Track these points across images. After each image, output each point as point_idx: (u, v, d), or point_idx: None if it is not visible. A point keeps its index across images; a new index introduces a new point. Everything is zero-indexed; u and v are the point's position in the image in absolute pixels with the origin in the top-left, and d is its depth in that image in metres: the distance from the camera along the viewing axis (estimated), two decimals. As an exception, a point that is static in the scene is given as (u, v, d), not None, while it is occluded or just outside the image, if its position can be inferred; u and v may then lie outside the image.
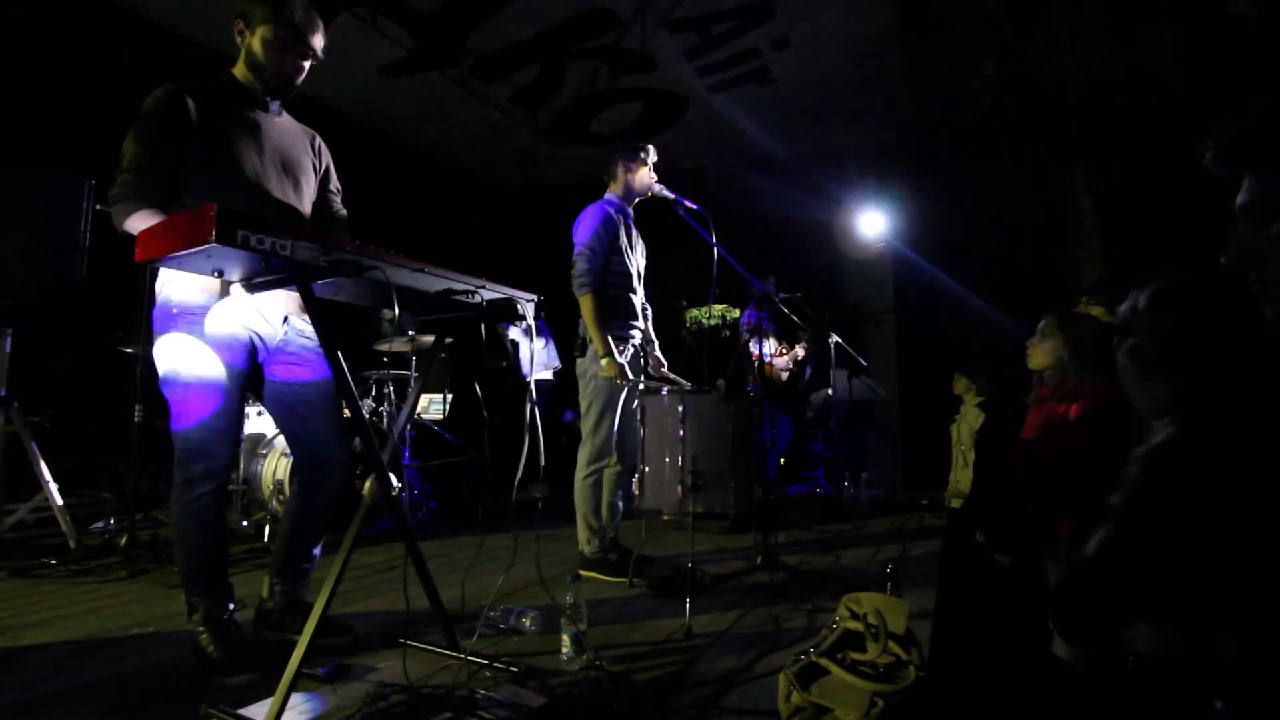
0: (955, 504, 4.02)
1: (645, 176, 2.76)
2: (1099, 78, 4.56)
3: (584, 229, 2.64)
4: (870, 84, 5.14)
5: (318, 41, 1.75)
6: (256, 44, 1.70)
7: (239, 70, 1.75)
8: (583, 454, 2.65)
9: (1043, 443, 2.10)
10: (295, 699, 1.35)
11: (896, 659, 1.35)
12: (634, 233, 2.82)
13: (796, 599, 2.27)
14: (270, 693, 1.30)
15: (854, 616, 1.42)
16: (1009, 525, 2.25)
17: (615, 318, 2.65)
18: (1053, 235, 5.12)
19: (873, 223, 5.73)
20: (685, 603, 2.01)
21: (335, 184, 1.98)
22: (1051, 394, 2.14)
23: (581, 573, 2.48)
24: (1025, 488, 2.13)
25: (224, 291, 1.63)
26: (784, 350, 5.06)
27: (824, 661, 1.35)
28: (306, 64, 1.77)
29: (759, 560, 2.73)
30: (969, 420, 4.10)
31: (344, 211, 2.00)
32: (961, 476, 4.05)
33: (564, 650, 1.69)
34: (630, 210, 2.81)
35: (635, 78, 5.17)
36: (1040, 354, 2.20)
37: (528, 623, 1.92)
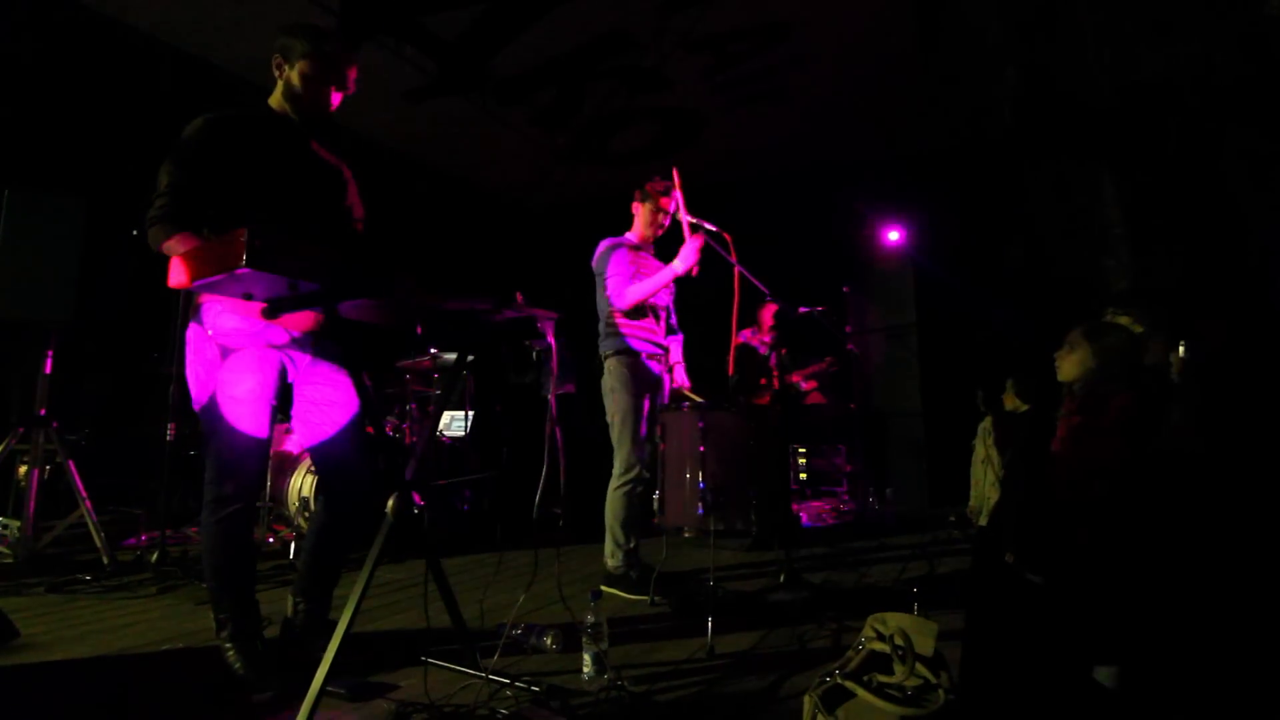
0: (984, 521, 3.92)
1: (652, 219, 2.85)
2: (1127, 85, 4.49)
3: (605, 269, 2.77)
4: (890, 97, 5.13)
5: (352, 75, 1.83)
6: (295, 77, 1.77)
7: (275, 100, 1.82)
8: (616, 465, 2.70)
9: (1073, 456, 2.05)
10: (318, 716, 1.35)
11: (925, 682, 1.32)
12: (653, 265, 2.87)
13: (821, 618, 2.23)
14: (295, 709, 1.31)
15: (880, 637, 1.39)
16: (1040, 542, 2.19)
17: (637, 334, 2.74)
18: (1080, 245, 5.03)
19: (894, 236, 5.70)
20: (707, 622, 1.99)
21: (360, 210, 2.03)
22: (1081, 406, 2.09)
23: (603, 588, 2.54)
24: (1056, 502, 2.08)
25: (255, 314, 1.68)
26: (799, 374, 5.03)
27: (850, 684, 1.33)
28: (340, 96, 1.83)
29: (782, 578, 2.69)
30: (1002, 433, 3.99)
31: (368, 237, 2.05)
32: (991, 493, 3.95)
33: (585, 670, 1.68)
34: (646, 249, 2.88)
35: (652, 97, 5.22)
36: (1069, 366, 2.16)
37: (549, 641, 1.92)
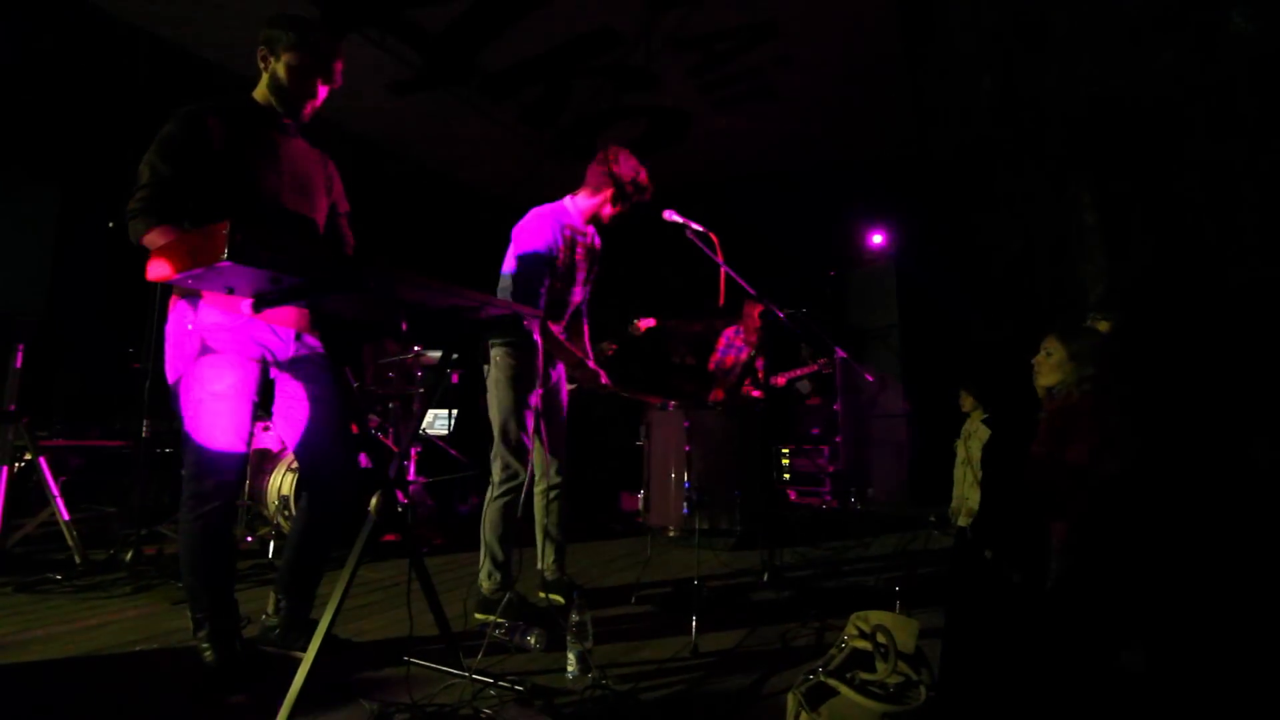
0: (963, 521, 3.99)
1: (612, 208, 2.44)
2: (1103, 93, 4.59)
3: (520, 243, 2.31)
4: (874, 100, 5.18)
5: (339, 68, 1.81)
6: (280, 69, 1.74)
7: (259, 93, 1.79)
8: (494, 473, 2.30)
9: (1050, 457, 2.09)
10: (298, 717, 1.34)
11: (906, 679, 1.33)
12: (588, 255, 2.46)
13: (804, 617, 2.24)
14: (274, 710, 1.29)
15: (862, 635, 1.41)
16: (1018, 541, 2.23)
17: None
18: (1059, 250, 5.12)
19: (877, 237, 5.76)
20: (691, 620, 2.00)
21: (345, 206, 2.01)
22: (1059, 409, 2.13)
23: (477, 615, 2.18)
24: (1034, 503, 2.12)
25: (237, 308, 1.65)
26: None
27: (833, 681, 1.34)
28: (327, 89, 1.81)
29: (765, 577, 2.71)
30: (979, 437, 4.07)
31: (351, 233, 2.03)
32: (970, 494, 4.01)
33: (569, 669, 1.68)
34: (588, 229, 2.46)
35: (640, 95, 5.23)
36: (1046, 370, 2.20)
37: (533, 640, 1.91)
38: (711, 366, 4.85)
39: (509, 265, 2.33)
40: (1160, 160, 4.26)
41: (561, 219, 2.37)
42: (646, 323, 4.69)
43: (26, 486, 3.05)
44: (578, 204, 2.46)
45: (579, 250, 2.43)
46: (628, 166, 2.41)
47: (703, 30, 4.53)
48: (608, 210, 2.44)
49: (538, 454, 2.35)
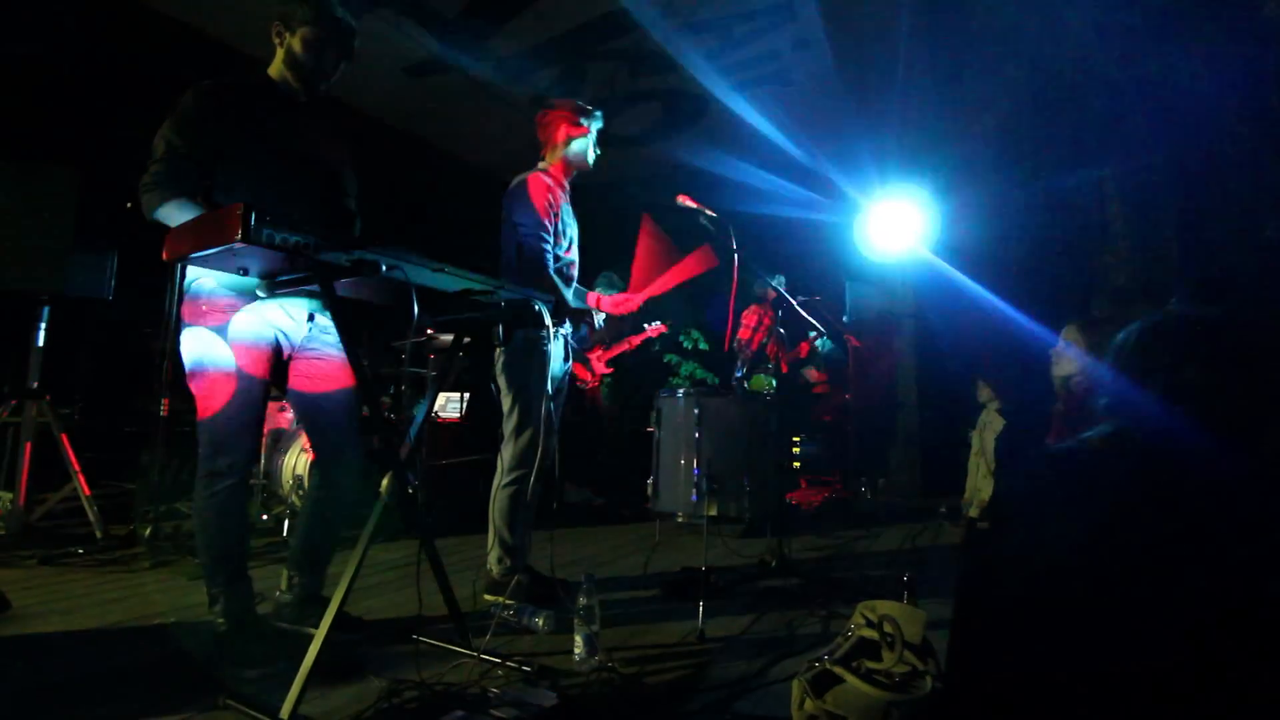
0: (974, 512, 3.96)
1: (585, 147, 2.45)
2: (1126, 80, 4.47)
3: (522, 208, 2.32)
4: (893, 87, 5.09)
5: (353, 43, 1.80)
6: (297, 44, 1.74)
7: (274, 70, 1.79)
8: (504, 458, 2.26)
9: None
10: (310, 692, 1.36)
11: (912, 669, 1.33)
12: (569, 213, 2.45)
13: (811, 605, 2.25)
14: (286, 685, 1.32)
15: (869, 624, 1.40)
16: (1030, 535, 2.21)
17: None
18: (1080, 240, 5.03)
19: (894, 226, 5.67)
20: (698, 606, 2.00)
21: (355, 185, 2.01)
22: (1078, 401, 2.10)
23: (485, 596, 2.21)
24: (1045, 494, 2.09)
25: (251, 288, 1.66)
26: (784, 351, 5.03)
27: (838, 669, 1.34)
28: (342, 64, 1.81)
29: (774, 565, 2.71)
30: (993, 428, 4.03)
31: (358, 214, 2.03)
32: (983, 485, 3.98)
33: (576, 651, 1.69)
34: (566, 185, 2.46)
35: (655, 79, 5.17)
36: (1065, 362, 2.16)
37: (540, 622, 1.93)
38: (735, 344, 4.81)
39: (517, 238, 2.32)
40: (1187, 149, 4.14)
41: (548, 186, 2.36)
42: (658, 329, 4.70)
43: (49, 462, 3.12)
44: (551, 170, 2.45)
45: (566, 215, 2.44)
46: (567, 110, 2.44)
47: (720, 13, 4.46)
48: (569, 163, 2.45)
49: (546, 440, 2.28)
